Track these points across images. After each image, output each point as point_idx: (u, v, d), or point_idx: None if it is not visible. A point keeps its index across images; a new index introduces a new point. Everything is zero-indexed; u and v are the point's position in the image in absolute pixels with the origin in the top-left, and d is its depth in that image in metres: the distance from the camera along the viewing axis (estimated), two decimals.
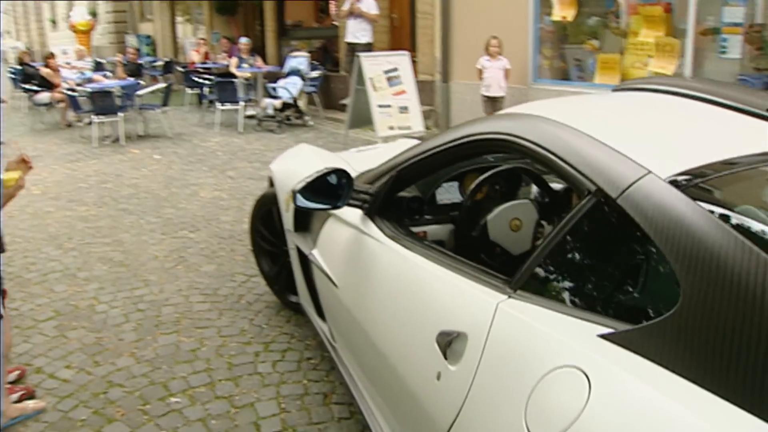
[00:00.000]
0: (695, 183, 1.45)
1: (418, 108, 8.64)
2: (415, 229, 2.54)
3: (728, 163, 1.55)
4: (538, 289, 1.63)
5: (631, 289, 1.54)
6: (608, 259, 1.62)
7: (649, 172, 1.48)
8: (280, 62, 14.49)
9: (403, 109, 8.43)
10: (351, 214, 2.53)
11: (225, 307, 4.05)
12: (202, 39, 15.83)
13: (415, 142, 4.06)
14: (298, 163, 3.56)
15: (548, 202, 2.67)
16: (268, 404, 3.01)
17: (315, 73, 11.78)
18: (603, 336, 1.37)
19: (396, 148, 3.87)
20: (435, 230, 2.73)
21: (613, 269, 1.60)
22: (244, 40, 12.58)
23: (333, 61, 13.69)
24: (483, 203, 2.58)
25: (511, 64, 8.99)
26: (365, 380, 2.47)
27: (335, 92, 12.73)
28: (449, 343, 1.68)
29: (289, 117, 11.18)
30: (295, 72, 11.28)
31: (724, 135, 1.78)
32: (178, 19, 20.10)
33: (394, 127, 8.36)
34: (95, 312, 4.00)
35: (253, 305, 4.08)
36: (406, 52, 8.72)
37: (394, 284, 2.12)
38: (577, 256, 1.65)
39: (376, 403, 2.37)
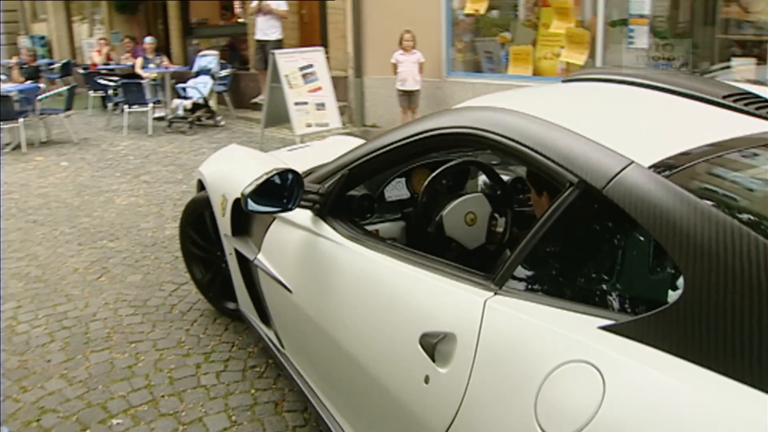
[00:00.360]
0: (677, 170, 1.46)
1: (335, 104, 8.56)
2: (367, 228, 2.48)
3: (704, 150, 1.56)
4: (526, 284, 1.60)
5: (624, 280, 1.53)
6: (597, 250, 1.60)
7: (632, 161, 1.47)
8: (186, 62, 14.10)
9: (320, 106, 8.34)
10: (300, 215, 2.44)
11: (157, 319, 3.86)
12: (103, 39, 15.17)
13: (351, 139, 4.01)
14: (232, 165, 3.43)
15: (500, 194, 2.66)
16: (217, 418, 2.88)
17: (225, 72, 11.50)
18: (605, 328, 1.35)
19: (331, 145, 3.80)
20: (387, 228, 2.67)
21: (603, 260, 1.59)
22: (149, 40, 12.14)
23: (241, 60, 13.41)
24: (434, 199, 2.54)
25: (425, 58, 9.05)
26: (327, 386, 2.39)
27: (246, 91, 12.47)
28: (435, 344, 1.62)
29: (200, 118, 10.87)
30: (204, 71, 10.98)
31: (689, 122, 1.80)
32: (75, 18, 19.21)
33: (311, 125, 8.27)
34: (15, 333, 3.73)
35: (187, 315, 3.92)
36: (320, 48, 8.63)
37: (363, 287, 2.04)
38: (564, 248, 1.62)
39: (339, 409, 2.30)
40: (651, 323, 1.28)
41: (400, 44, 8.92)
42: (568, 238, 1.62)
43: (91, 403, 3.00)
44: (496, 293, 1.60)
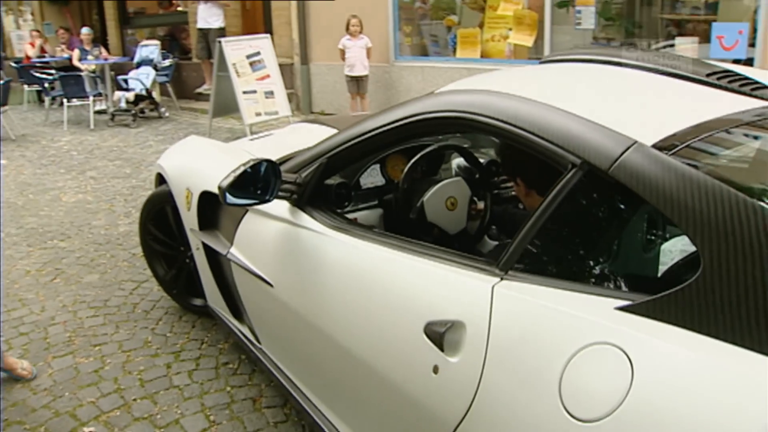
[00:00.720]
0: (680, 148, 1.44)
1: (284, 92, 8.42)
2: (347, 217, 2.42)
3: (703, 128, 1.55)
4: (532, 268, 1.56)
5: (634, 259, 1.52)
6: (605, 231, 1.58)
7: (635, 141, 1.46)
8: (125, 52, 13.70)
9: (269, 94, 8.20)
10: (276, 206, 2.36)
11: (120, 319, 3.72)
12: (36, 31, 14.57)
13: (312, 126, 3.92)
14: (194, 157, 3.31)
15: (478, 177, 2.63)
16: (194, 419, 2.78)
17: (167, 62, 11.20)
18: (622, 308, 1.33)
19: (293, 133, 3.72)
20: (365, 216, 2.61)
21: (611, 241, 1.57)
22: (85, 31, 11.70)
23: (182, 49, 13.10)
24: (414, 185, 2.50)
25: (372, 43, 8.98)
26: (315, 381, 2.33)
27: (188, 81, 12.19)
28: (444, 333, 1.58)
29: (143, 110, 10.59)
30: (146, 62, 10.66)
31: (680, 101, 1.80)
32: (2, 9, 18.42)
33: (261, 114, 8.12)
34: None
35: (150, 313, 3.79)
36: (267, 35, 8.47)
37: (355, 278, 1.98)
38: (569, 231, 1.60)
39: (331, 405, 2.24)
40: (671, 301, 1.27)
41: (347, 29, 8.84)
42: (573, 220, 1.59)
43: (59, 411, 2.86)
44: (502, 278, 1.57)
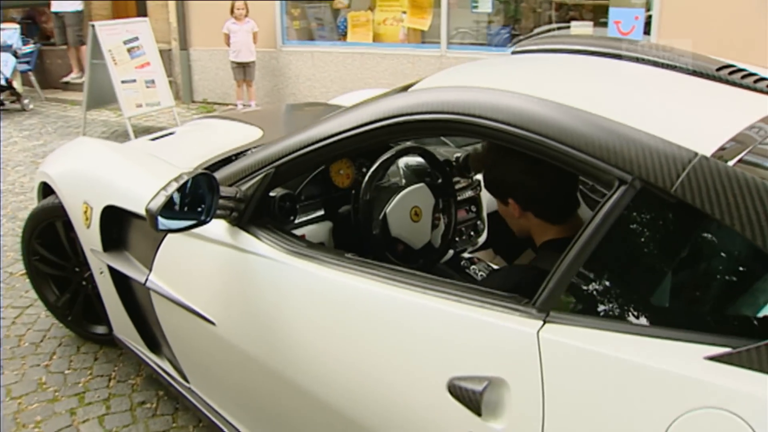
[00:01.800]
0: (741, 158, 1.22)
1: (165, 81, 7.77)
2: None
3: (753, 132, 1.33)
4: (581, 308, 1.28)
5: (716, 294, 1.25)
6: (668, 260, 1.30)
7: (696, 153, 1.22)
8: None
9: (150, 83, 7.53)
10: (209, 226, 1.95)
11: (3, 356, 3.15)
12: None
13: (216, 122, 3.47)
14: (89, 164, 2.78)
15: (440, 182, 2.32)
16: None
17: (29, 48, 10.14)
18: (715, 358, 1.08)
19: (199, 131, 3.27)
20: (313, 231, 2.24)
21: (682, 272, 1.29)
22: None
23: (43, 34, 11.95)
24: (376, 194, 2.16)
25: (258, 27, 8.49)
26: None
27: (53, 69, 11.15)
28: (481, 393, 1.27)
29: (2, 102, 9.53)
30: (4, 48, 9.58)
31: (707, 100, 1.58)
32: None
33: (142, 105, 7.46)
34: None
35: (41, 346, 3.24)
36: (145, 19, 7.77)
37: (340, 321, 1.62)
38: (625, 260, 1.31)
39: None
40: None
41: (231, 13, 8.30)
42: (628, 248, 1.30)
43: None
44: (545, 321, 1.28)
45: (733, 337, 1.12)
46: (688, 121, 1.43)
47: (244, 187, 1.95)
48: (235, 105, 8.96)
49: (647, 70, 1.73)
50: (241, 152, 2.57)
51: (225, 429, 2.20)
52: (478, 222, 2.74)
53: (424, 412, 1.41)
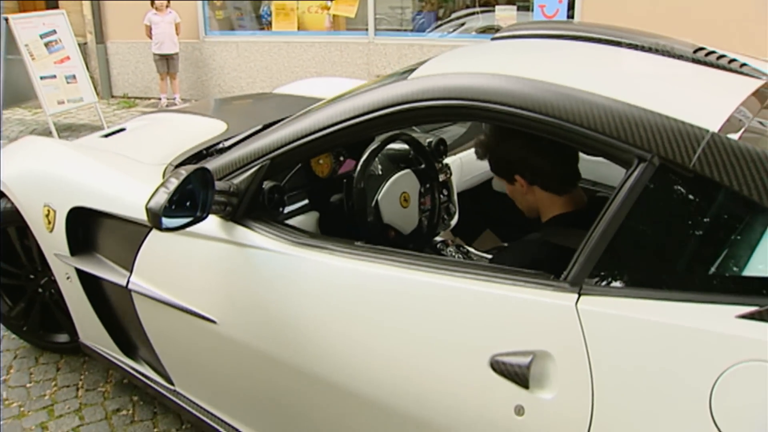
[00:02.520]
0: (743, 133, 1.33)
1: (86, 75, 7.46)
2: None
3: (746, 108, 1.45)
4: (613, 279, 1.33)
5: (731, 257, 1.32)
6: (690, 229, 1.37)
7: (709, 129, 1.31)
8: None
9: (71, 79, 7.22)
10: (200, 223, 1.89)
11: None
12: None
13: (173, 116, 3.36)
14: (46, 164, 2.63)
15: (423, 167, 2.33)
16: None
17: None
18: (746, 316, 1.16)
19: (160, 125, 3.15)
20: (300, 222, 2.20)
21: (700, 240, 1.35)
22: None
23: None
24: (368, 182, 2.14)
25: (180, 18, 8.28)
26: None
27: None
28: (527, 366, 1.31)
29: None
30: None
31: (695, 81, 1.69)
32: None
33: (63, 101, 7.15)
34: None
35: None
36: (62, 11, 7.42)
37: (365, 310, 1.59)
38: (650, 233, 1.37)
39: None
40: None
41: (152, 4, 8.05)
42: (653, 221, 1.37)
43: None
44: (580, 294, 1.32)
45: (758, 296, 1.20)
46: (688, 101, 1.51)
47: (236, 181, 1.90)
48: (159, 99, 8.71)
49: (632, 54, 1.81)
50: (211, 146, 2.51)
51: (220, 429, 2.15)
52: (450, 205, 2.77)
53: (467, 392, 1.42)
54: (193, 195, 1.76)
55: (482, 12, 7.97)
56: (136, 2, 8.48)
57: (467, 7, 8.03)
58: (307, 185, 2.29)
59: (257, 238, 1.83)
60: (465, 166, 2.92)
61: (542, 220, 1.85)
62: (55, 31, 7.03)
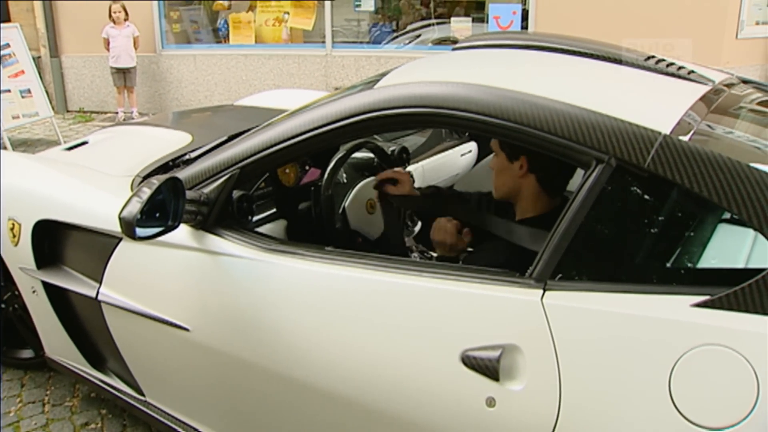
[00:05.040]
0: (692, 135, 1.42)
1: (42, 90, 7.37)
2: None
3: (695, 112, 1.56)
4: (576, 275, 1.41)
5: (685, 251, 1.41)
6: (647, 226, 1.48)
7: (660, 132, 1.40)
8: None
9: (26, 93, 7.12)
10: (171, 232, 1.91)
11: None
12: None
13: (139, 128, 3.38)
14: (13, 177, 2.59)
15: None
16: None
17: None
18: (700, 305, 1.26)
19: (123, 138, 3.16)
20: (269, 230, 2.24)
21: (656, 235, 1.46)
22: None
23: None
24: (335, 190, 2.19)
25: (139, 32, 8.24)
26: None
27: None
28: (497, 360, 1.38)
29: None
30: None
31: (648, 87, 1.77)
32: None
33: (19, 116, 7.05)
34: None
35: None
36: (15, 24, 7.32)
37: (338, 312, 1.64)
38: (610, 230, 1.47)
39: None
40: (754, 290, 1.23)
41: (110, 17, 8.00)
42: (611, 219, 1.46)
43: None
44: (545, 289, 1.40)
45: (711, 286, 1.29)
46: (641, 105, 1.61)
47: (206, 190, 1.93)
48: (116, 113, 8.63)
49: (588, 62, 1.90)
50: (178, 157, 2.54)
51: None
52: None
53: (440, 387, 1.49)
54: (164, 205, 1.80)
55: (438, 24, 8.08)
56: (91, 16, 8.40)
57: (423, 18, 8.14)
58: (274, 194, 2.34)
59: (228, 245, 1.86)
60: (427, 173, 2.99)
61: (517, 215, 1.92)
62: (9, 45, 6.94)
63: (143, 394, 2.33)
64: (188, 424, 2.18)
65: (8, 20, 8.83)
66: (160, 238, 1.87)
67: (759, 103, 2.01)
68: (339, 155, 2.19)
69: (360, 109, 1.72)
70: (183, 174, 2.03)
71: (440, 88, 1.64)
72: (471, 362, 1.42)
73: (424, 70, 1.96)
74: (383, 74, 1.92)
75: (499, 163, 1.92)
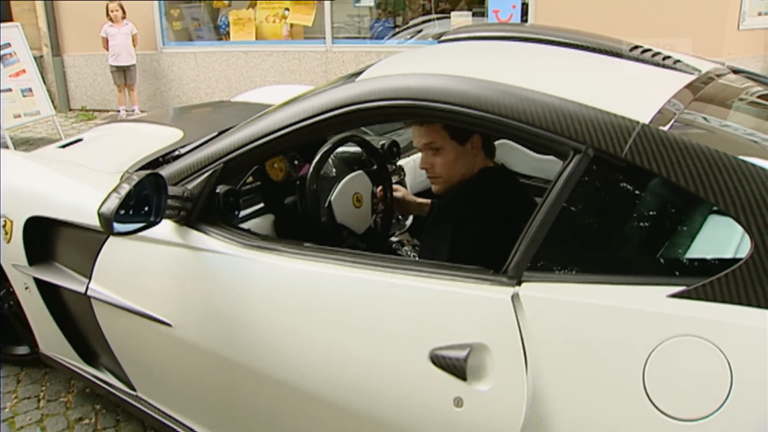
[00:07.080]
0: (672, 124, 1.40)
1: (43, 89, 7.39)
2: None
3: (678, 100, 1.53)
4: (551, 268, 1.40)
5: (664, 243, 1.41)
6: (624, 217, 1.46)
7: (639, 121, 1.38)
8: None
9: (27, 92, 7.14)
10: (155, 227, 1.92)
11: None
12: None
13: (131, 125, 3.38)
14: (6, 175, 2.62)
15: (376, 169, 2.39)
16: None
17: None
18: (676, 295, 1.25)
19: (116, 135, 3.17)
20: (256, 225, 2.25)
21: (634, 227, 1.45)
22: None
23: None
24: (321, 184, 2.20)
25: (137, 29, 8.26)
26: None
27: None
28: (465, 359, 1.37)
29: None
30: None
31: (630, 77, 1.75)
32: None
33: (20, 115, 7.07)
34: None
35: None
36: (16, 24, 7.35)
37: (311, 308, 1.65)
38: (587, 222, 1.45)
39: None
40: (728, 282, 1.21)
41: (108, 16, 8.02)
42: (589, 210, 1.44)
43: None
44: (518, 284, 1.39)
45: (687, 276, 1.28)
46: (621, 95, 1.59)
47: (190, 186, 1.94)
48: (118, 111, 8.65)
49: (570, 52, 1.89)
50: (168, 153, 2.55)
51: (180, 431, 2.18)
52: None
53: (408, 385, 1.48)
54: (147, 200, 1.80)
55: (439, 18, 8.06)
56: (92, 16, 8.42)
57: (424, 13, 8.13)
58: (263, 189, 2.34)
59: (210, 241, 1.87)
60: (419, 167, 2.99)
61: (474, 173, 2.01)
62: (9, 44, 6.96)
63: (135, 389, 2.34)
64: (177, 419, 2.19)
65: (10, 20, 8.86)
66: (145, 234, 1.88)
67: (746, 93, 2.00)
68: (324, 149, 2.19)
69: (341, 102, 1.72)
70: (169, 170, 2.04)
71: (419, 80, 1.64)
72: (439, 361, 1.41)
73: (406, 62, 1.95)
74: (366, 67, 1.92)
75: (453, 153, 1.95)
